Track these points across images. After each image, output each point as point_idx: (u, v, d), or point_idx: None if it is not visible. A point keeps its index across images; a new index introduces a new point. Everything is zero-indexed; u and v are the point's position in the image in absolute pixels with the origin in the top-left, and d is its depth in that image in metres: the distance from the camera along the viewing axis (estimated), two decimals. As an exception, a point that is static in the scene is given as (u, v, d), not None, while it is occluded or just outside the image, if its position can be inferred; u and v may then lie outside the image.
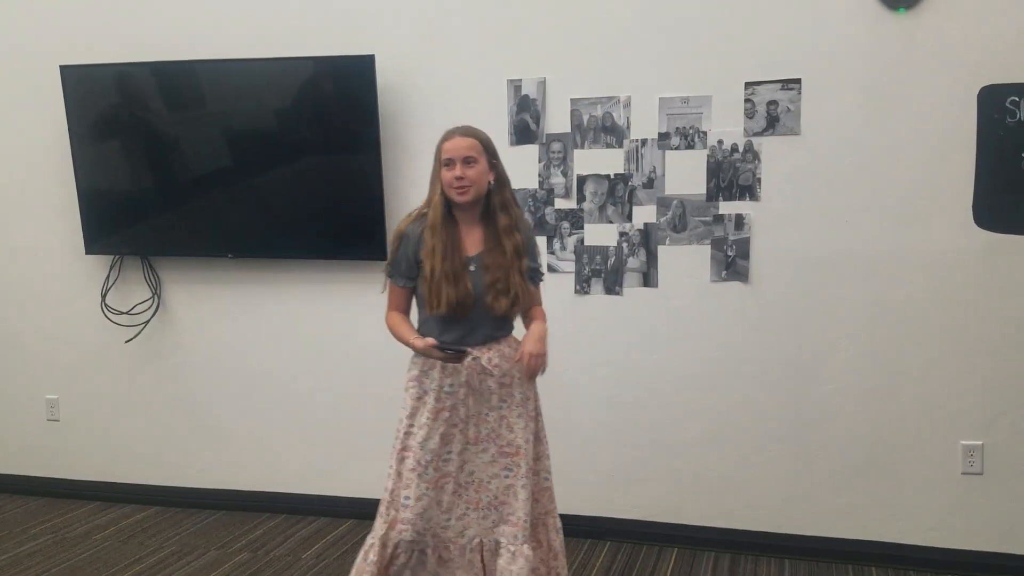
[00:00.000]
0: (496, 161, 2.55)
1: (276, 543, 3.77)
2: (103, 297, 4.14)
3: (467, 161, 2.46)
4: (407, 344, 2.55)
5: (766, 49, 3.29)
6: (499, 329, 2.58)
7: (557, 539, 2.69)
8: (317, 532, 3.87)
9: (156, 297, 4.11)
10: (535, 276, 2.62)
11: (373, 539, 2.58)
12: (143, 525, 4.01)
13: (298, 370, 3.99)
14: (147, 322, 4.12)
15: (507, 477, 2.57)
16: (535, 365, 2.48)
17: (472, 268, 2.50)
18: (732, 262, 3.42)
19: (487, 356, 2.54)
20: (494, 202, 2.53)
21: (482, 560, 2.58)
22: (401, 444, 2.61)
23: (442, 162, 2.50)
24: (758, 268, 3.40)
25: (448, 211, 2.50)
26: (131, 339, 4.13)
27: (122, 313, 4.13)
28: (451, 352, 2.47)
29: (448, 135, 2.52)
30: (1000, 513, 3.28)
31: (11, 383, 4.38)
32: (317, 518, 4.00)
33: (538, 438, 2.65)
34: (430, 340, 2.47)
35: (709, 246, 3.44)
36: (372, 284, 3.79)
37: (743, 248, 3.40)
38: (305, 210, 3.83)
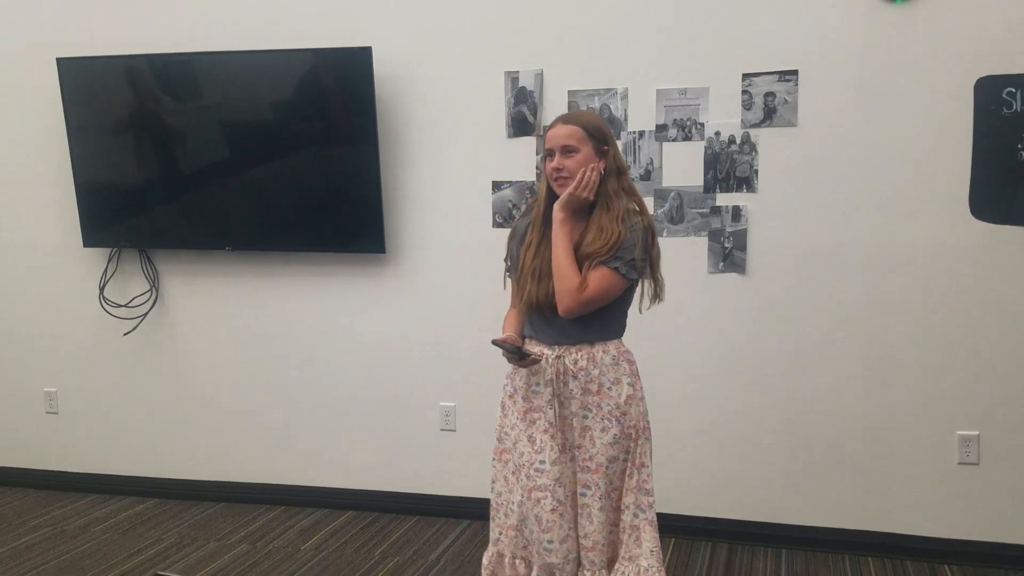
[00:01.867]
0: (608, 147, 2.28)
1: (275, 535, 3.78)
2: (101, 290, 4.14)
3: (566, 151, 2.24)
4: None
5: (763, 41, 3.30)
6: (594, 332, 2.34)
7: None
8: (316, 524, 3.88)
9: (154, 290, 4.11)
10: (612, 260, 2.26)
11: (491, 551, 2.45)
12: (142, 517, 4.01)
13: (296, 362, 4.00)
14: (145, 315, 4.12)
15: (583, 496, 2.33)
16: (586, 179, 2.24)
17: None
18: (729, 254, 3.43)
19: (573, 357, 2.32)
20: (604, 192, 2.26)
21: None
22: (499, 445, 2.43)
23: (545, 151, 2.31)
24: (755, 260, 3.41)
25: (551, 204, 2.29)
26: (129, 332, 4.14)
27: (120, 306, 4.14)
28: (509, 352, 2.29)
29: (553, 122, 2.30)
30: (996, 503, 3.29)
31: (9, 376, 4.38)
32: (316, 510, 4.01)
33: (637, 464, 2.35)
34: (504, 337, 2.29)
35: (706, 238, 3.44)
36: (370, 276, 3.84)
37: (740, 240, 3.41)
38: (303, 203, 3.83)
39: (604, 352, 2.33)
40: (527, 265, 2.32)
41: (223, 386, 4.10)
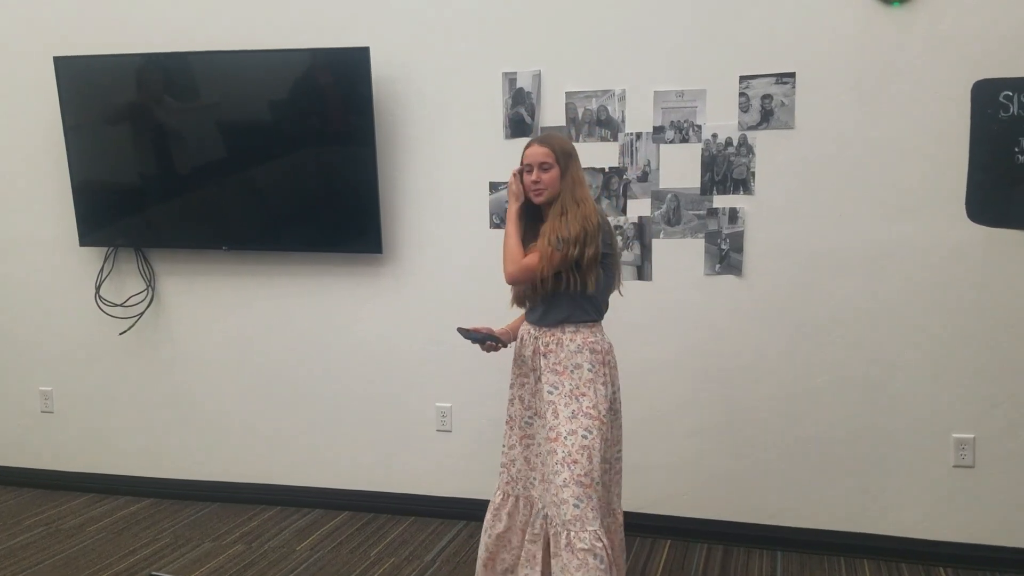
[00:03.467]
0: (569, 163, 2.71)
1: (270, 535, 3.77)
2: (97, 289, 4.13)
3: (543, 167, 2.68)
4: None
5: (761, 43, 3.30)
6: (566, 320, 2.69)
7: (617, 537, 2.82)
8: (311, 524, 3.87)
9: (150, 289, 4.10)
10: (556, 244, 2.60)
11: (498, 484, 2.88)
12: (137, 517, 4.01)
13: (292, 362, 3.99)
14: (141, 314, 4.11)
15: (545, 462, 2.71)
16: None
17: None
18: (726, 255, 3.43)
19: (545, 339, 2.71)
20: (564, 199, 2.68)
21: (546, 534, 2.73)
22: (509, 394, 2.87)
23: (523, 167, 2.73)
24: (752, 261, 3.41)
25: (530, 208, 2.76)
26: (125, 331, 4.13)
27: (116, 305, 4.13)
28: (467, 335, 2.78)
29: (531, 142, 2.75)
30: (992, 506, 3.30)
31: (5, 375, 4.37)
32: (311, 510, 4.01)
33: (596, 437, 2.61)
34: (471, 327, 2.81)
35: (703, 239, 3.44)
36: (366, 277, 3.84)
37: (737, 242, 3.41)
38: (300, 202, 3.83)
39: (571, 340, 2.69)
40: None
41: (219, 386, 4.10)
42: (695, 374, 3.52)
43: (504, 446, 2.88)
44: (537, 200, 2.70)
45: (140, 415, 4.21)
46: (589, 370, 2.67)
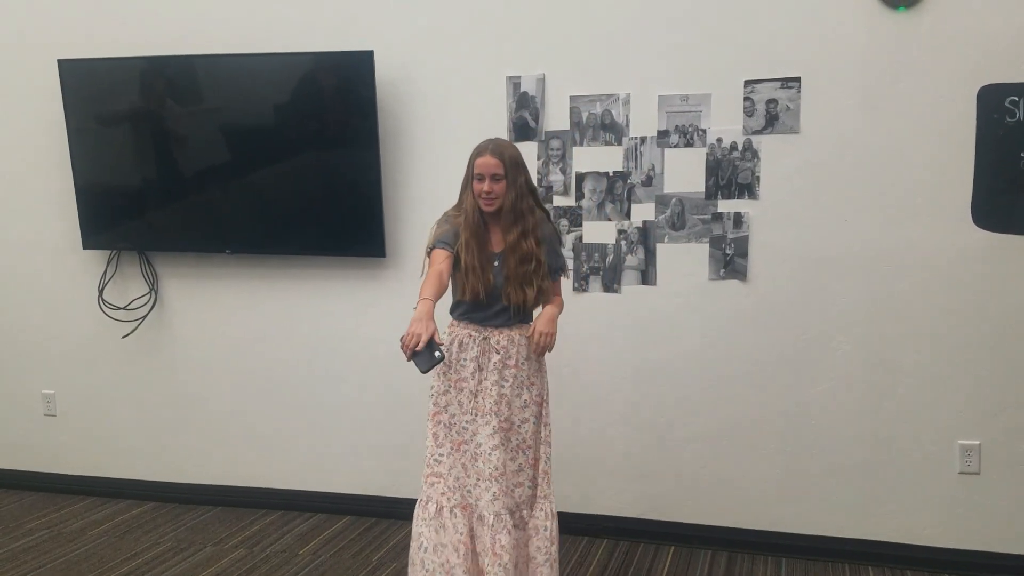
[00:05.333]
0: (520, 173, 2.80)
1: (272, 539, 3.76)
2: (100, 292, 4.13)
3: (495, 178, 2.74)
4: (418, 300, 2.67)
5: (766, 47, 3.29)
6: (517, 317, 2.82)
7: (552, 524, 2.84)
8: (313, 528, 3.86)
9: (153, 292, 4.10)
10: (555, 272, 2.90)
11: (428, 495, 2.82)
12: (139, 520, 4.00)
13: (295, 366, 3.99)
14: (144, 317, 4.11)
15: (504, 451, 2.79)
16: (544, 343, 2.80)
17: (496, 263, 2.79)
18: (730, 260, 3.42)
19: (496, 338, 2.80)
20: (518, 208, 2.78)
21: (471, 530, 2.79)
22: (433, 406, 2.85)
23: (474, 175, 2.77)
24: (756, 266, 3.40)
25: (479, 213, 2.80)
26: (128, 334, 4.13)
27: (119, 308, 4.13)
28: (414, 356, 2.52)
29: (480, 150, 2.78)
30: (997, 513, 3.28)
31: (8, 378, 4.37)
32: (314, 514, 4.00)
33: (543, 423, 2.87)
34: (420, 333, 2.54)
35: (707, 244, 3.43)
36: (370, 280, 3.83)
37: (742, 246, 3.40)
38: (303, 206, 3.82)
39: (521, 335, 2.82)
40: (468, 263, 2.75)
41: (221, 389, 4.09)
42: (699, 378, 3.51)
43: (439, 455, 2.81)
44: (488, 209, 2.77)
45: (142, 418, 4.21)
46: (537, 360, 2.85)
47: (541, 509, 2.83)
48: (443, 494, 2.78)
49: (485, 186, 2.74)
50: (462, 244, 2.76)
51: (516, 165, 2.78)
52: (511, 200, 2.76)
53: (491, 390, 2.78)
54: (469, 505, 2.78)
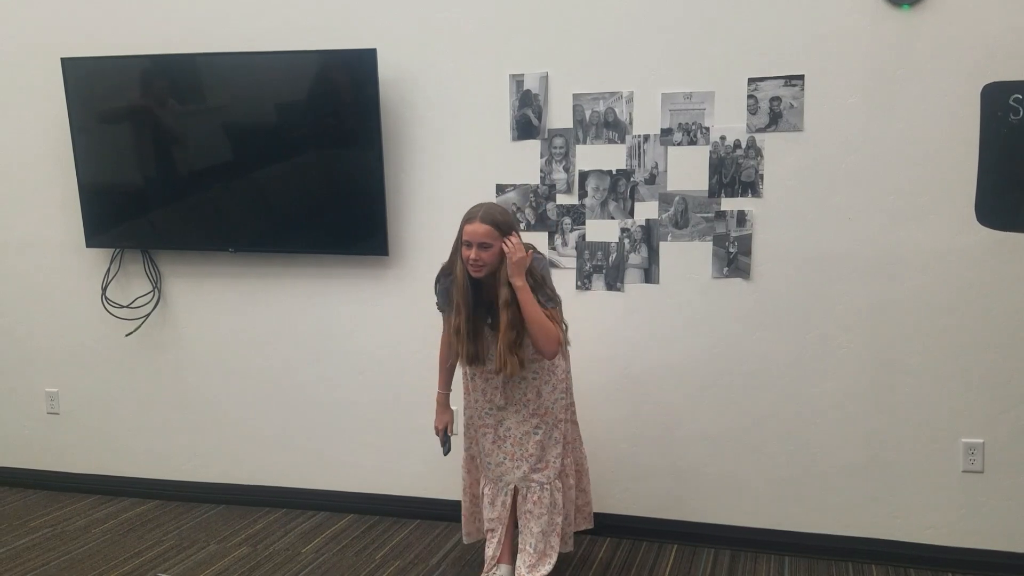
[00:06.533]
0: (511, 234, 2.89)
1: (276, 537, 3.77)
2: (103, 290, 4.13)
3: (482, 246, 2.83)
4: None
5: (769, 45, 3.29)
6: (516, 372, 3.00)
7: (584, 460, 3.32)
8: (317, 527, 3.87)
9: (156, 291, 4.10)
10: (548, 303, 2.96)
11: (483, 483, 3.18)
12: (143, 519, 4.01)
13: (299, 365, 3.99)
14: (147, 316, 4.11)
15: (537, 433, 3.05)
16: (516, 260, 2.86)
17: (489, 321, 2.95)
18: (734, 259, 3.41)
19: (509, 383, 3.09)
20: (507, 268, 2.87)
21: (514, 502, 3.09)
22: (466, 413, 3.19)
23: (463, 242, 2.87)
24: (760, 265, 3.40)
25: (468, 277, 2.91)
26: (131, 333, 4.13)
27: (122, 307, 4.13)
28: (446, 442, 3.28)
29: (470, 217, 2.87)
30: (1001, 512, 3.28)
31: (11, 376, 4.38)
32: (317, 512, 4.00)
33: (569, 401, 3.18)
34: (437, 426, 3.28)
35: (711, 242, 3.43)
36: (373, 279, 3.83)
37: (745, 245, 3.40)
38: (306, 205, 3.82)
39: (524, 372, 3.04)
40: (461, 328, 2.90)
41: (225, 388, 4.10)
42: (702, 377, 3.51)
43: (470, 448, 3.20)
44: (476, 275, 2.87)
45: (146, 417, 4.21)
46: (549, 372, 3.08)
47: (576, 449, 3.26)
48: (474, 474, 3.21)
49: (472, 254, 2.82)
50: (456, 306, 2.92)
51: (506, 227, 2.87)
52: (500, 264, 2.86)
53: (520, 384, 3.02)
54: (494, 483, 3.12)
